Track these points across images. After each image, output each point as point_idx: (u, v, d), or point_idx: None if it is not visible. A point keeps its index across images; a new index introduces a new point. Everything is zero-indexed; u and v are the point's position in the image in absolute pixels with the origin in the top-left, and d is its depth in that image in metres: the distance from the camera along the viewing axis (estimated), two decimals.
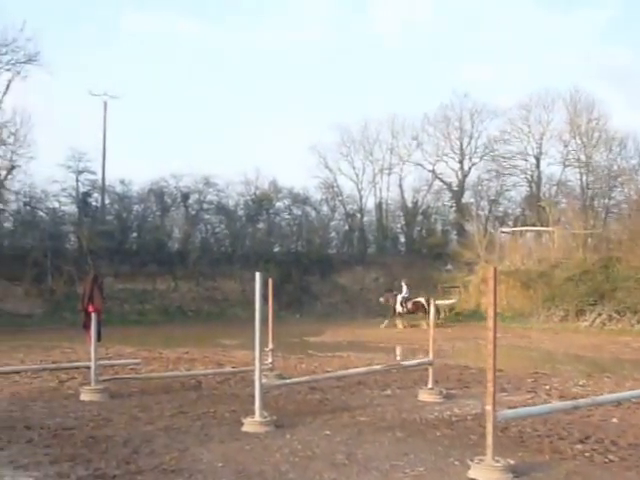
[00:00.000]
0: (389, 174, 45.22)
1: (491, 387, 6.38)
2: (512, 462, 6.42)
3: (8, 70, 36.96)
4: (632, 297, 27.21)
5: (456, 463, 6.74)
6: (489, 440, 6.33)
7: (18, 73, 37.02)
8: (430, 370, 10.64)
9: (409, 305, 30.01)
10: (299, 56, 63.62)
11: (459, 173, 45.25)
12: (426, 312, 24.55)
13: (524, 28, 62.38)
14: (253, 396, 8.28)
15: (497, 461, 6.32)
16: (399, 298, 30.51)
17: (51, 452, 7.15)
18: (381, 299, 32.33)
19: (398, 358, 18.21)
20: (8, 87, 36.91)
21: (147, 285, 35.74)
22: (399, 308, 30.21)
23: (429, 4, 66.90)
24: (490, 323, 6.43)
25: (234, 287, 37.58)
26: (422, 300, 29.18)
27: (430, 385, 10.63)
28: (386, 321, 29.50)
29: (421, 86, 61.37)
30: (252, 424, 8.00)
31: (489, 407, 6.38)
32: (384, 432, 8.05)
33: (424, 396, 10.50)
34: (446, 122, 45.04)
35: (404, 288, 31.14)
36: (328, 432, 7.95)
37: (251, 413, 8.28)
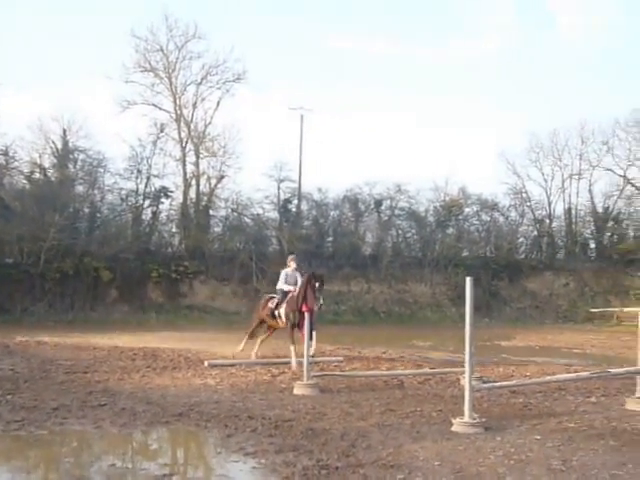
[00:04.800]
0: (578, 179, 44.05)
1: None
2: None
3: (219, 89, 39.95)
4: None
5: None
6: None
7: (227, 91, 39.93)
8: (639, 379, 10.38)
9: None
10: (488, 64, 63.20)
11: None
12: None
13: None
14: (456, 397, 8.51)
15: None
16: None
17: (274, 442, 7.63)
18: None
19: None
20: (218, 104, 40.01)
21: (342, 287, 36.96)
22: None
23: (615, 4, 63.90)
24: None
25: (424, 290, 38.09)
26: None
27: (639, 394, 10.38)
28: None
29: (611, 90, 59.17)
30: (462, 425, 8.22)
31: None
32: (596, 440, 7.91)
33: (633, 405, 10.27)
34: (638, 126, 43.22)
35: None
36: (538, 437, 7.92)
37: (457, 413, 8.53)
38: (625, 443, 7.88)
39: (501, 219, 43.64)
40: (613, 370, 11.40)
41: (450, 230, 42.64)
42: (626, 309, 28.32)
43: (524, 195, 44.22)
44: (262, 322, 15.85)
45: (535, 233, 44.02)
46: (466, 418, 8.29)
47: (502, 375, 13.52)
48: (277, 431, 8.25)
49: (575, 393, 11.52)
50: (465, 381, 8.41)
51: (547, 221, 43.98)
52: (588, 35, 64.15)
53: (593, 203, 43.76)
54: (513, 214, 44.12)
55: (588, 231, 44.80)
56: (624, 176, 43.42)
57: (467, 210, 43.14)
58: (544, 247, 43.68)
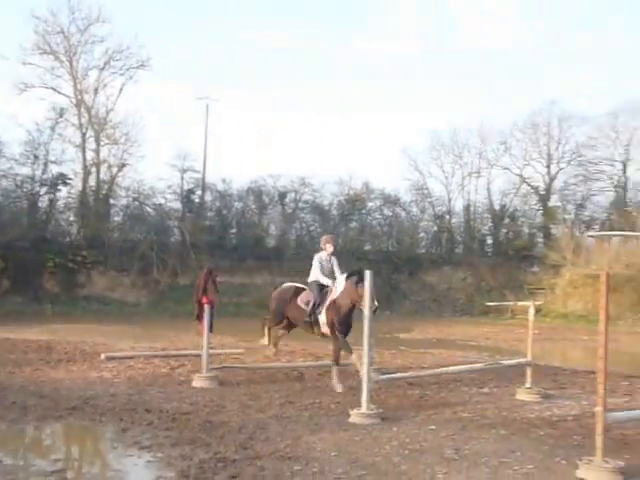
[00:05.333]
0: (477, 177, 45.48)
1: (602, 389, 6.37)
2: (621, 464, 6.42)
3: (122, 75, 39.08)
4: None
5: (563, 462, 6.82)
6: (599, 441, 6.34)
7: (131, 78, 39.13)
8: (528, 370, 10.78)
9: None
10: (392, 62, 64.15)
11: (546, 177, 45.13)
12: None
13: (613, 35, 61.30)
14: (355, 388, 8.62)
15: (606, 462, 6.34)
16: None
17: (171, 435, 7.56)
18: None
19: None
20: (121, 91, 39.12)
21: (245, 279, 36.74)
22: None
23: (515, 7, 66.03)
24: (601, 327, 6.53)
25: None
26: None
27: (528, 385, 10.79)
28: None
29: (510, 92, 61.11)
30: (359, 416, 8.33)
31: (600, 409, 6.36)
32: (487, 429, 8.19)
33: (522, 395, 10.68)
34: (534, 128, 45.15)
35: None
36: (433, 427, 8.14)
37: (355, 405, 8.62)
38: (514, 432, 8.21)
39: (403, 214, 44.67)
40: (505, 362, 11.77)
41: (353, 224, 43.26)
42: (520, 303, 29.20)
43: (425, 191, 45.37)
44: (287, 322, 12.41)
45: (435, 228, 45.16)
46: (363, 409, 8.41)
47: (400, 367, 13.72)
48: (174, 424, 8.17)
49: (469, 384, 11.87)
50: (362, 373, 8.51)
51: (447, 217, 45.26)
52: (488, 37, 65.91)
53: (491, 201, 45.26)
54: (414, 209, 45.29)
55: (486, 227, 46.26)
56: (520, 175, 45.18)
57: (370, 205, 43.97)
58: (443, 242, 44.85)
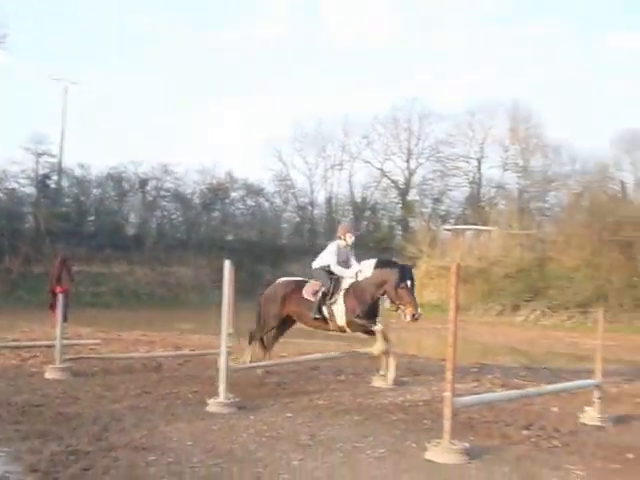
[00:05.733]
0: (340, 170, 46.22)
1: (450, 375, 6.62)
2: (467, 445, 6.72)
3: None
4: (564, 295, 28.93)
5: (413, 445, 7.05)
6: (447, 425, 6.60)
7: None
8: (383, 358, 11.10)
9: None
10: (257, 53, 64.25)
11: (406, 172, 46.64)
12: None
13: (473, 37, 63.93)
14: (214, 378, 8.57)
15: (453, 444, 6.62)
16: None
17: (21, 428, 7.25)
18: None
19: None
20: None
21: (103, 268, 35.82)
22: None
23: (383, 6, 67.55)
24: (451, 315, 6.83)
25: (188, 273, 37.99)
26: None
27: (382, 372, 11.11)
28: None
29: (374, 88, 62.68)
30: (217, 405, 8.31)
31: (448, 394, 6.63)
32: (343, 415, 8.39)
33: (377, 382, 10.99)
34: (395, 123, 46.41)
35: None
36: (290, 414, 8.24)
37: (213, 394, 8.57)
38: (368, 417, 8.46)
39: (266, 205, 44.71)
40: (361, 350, 12.07)
41: (216, 213, 42.91)
42: None
43: (289, 182, 45.68)
44: (284, 321, 11.20)
45: (298, 219, 45.49)
46: (221, 398, 8.39)
47: (259, 356, 13.73)
48: (24, 417, 7.86)
49: (327, 372, 12.08)
50: (220, 362, 8.50)
51: (309, 208, 45.69)
52: (354, 33, 67.08)
53: (352, 193, 46.17)
54: (278, 200, 45.44)
55: (347, 219, 47.03)
56: (381, 169, 46.33)
57: (233, 194, 43.78)
58: (306, 233, 45.24)
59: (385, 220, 47.00)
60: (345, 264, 10.73)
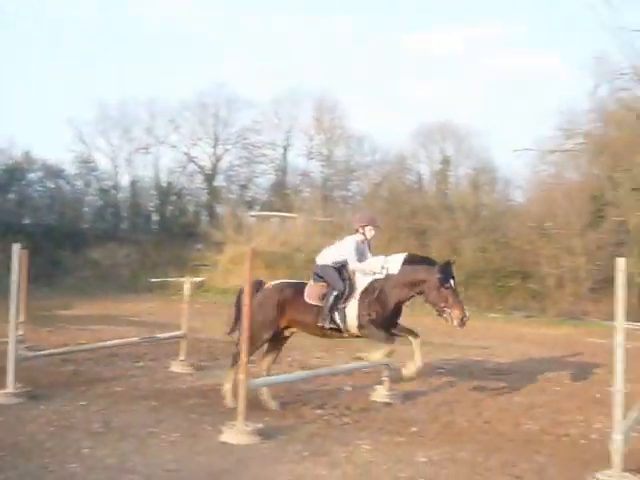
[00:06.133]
0: (145, 154, 45.38)
1: (244, 358, 6.92)
2: (261, 426, 7.00)
3: None
4: None
5: (209, 428, 7.25)
6: (241, 406, 6.87)
7: None
8: (182, 343, 11.17)
9: None
10: (62, 30, 61.57)
11: (212, 158, 46.53)
12: None
13: (281, 28, 64.99)
14: (3, 368, 8.30)
15: (247, 425, 6.87)
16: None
17: None
18: None
19: None
20: None
21: None
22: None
23: None
24: (246, 299, 7.02)
25: None
26: None
27: (182, 357, 11.18)
28: None
29: (181, 73, 62.16)
30: (4, 396, 8.06)
31: (242, 376, 6.89)
32: (139, 401, 8.45)
33: (176, 368, 11.05)
34: (203, 108, 46.18)
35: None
36: (84, 402, 8.16)
37: (2, 385, 8.31)
38: (165, 402, 8.57)
39: (67, 187, 43.03)
40: (160, 335, 12.06)
41: (12, 195, 40.71)
42: (181, 279, 29.76)
43: (91, 164, 44.21)
44: (280, 333, 9.26)
45: (101, 203, 44.22)
46: (9, 389, 8.12)
47: (56, 344, 13.35)
48: None
49: (126, 359, 12.02)
50: (9, 350, 8.21)
51: (113, 192, 44.53)
52: (162, 17, 65.91)
53: (158, 177, 45.45)
54: (79, 183, 43.83)
55: (152, 204, 46.28)
56: (188, 154, 45.96)
57: (31, 176, 41.69)
58: (109, 217, 44.08)
59: (191, 205, 46.61)
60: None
